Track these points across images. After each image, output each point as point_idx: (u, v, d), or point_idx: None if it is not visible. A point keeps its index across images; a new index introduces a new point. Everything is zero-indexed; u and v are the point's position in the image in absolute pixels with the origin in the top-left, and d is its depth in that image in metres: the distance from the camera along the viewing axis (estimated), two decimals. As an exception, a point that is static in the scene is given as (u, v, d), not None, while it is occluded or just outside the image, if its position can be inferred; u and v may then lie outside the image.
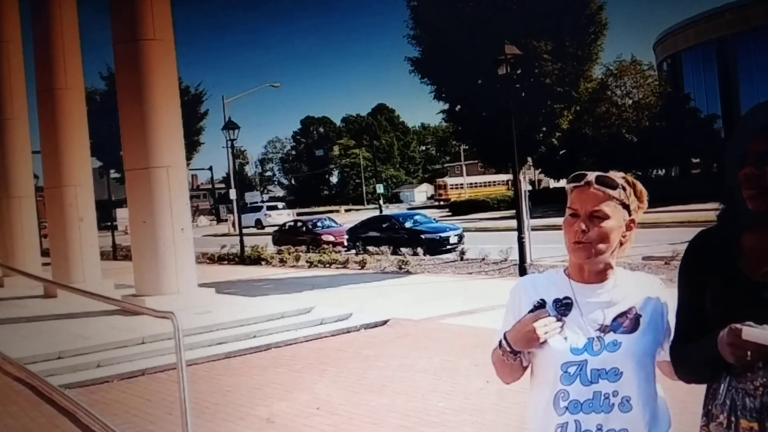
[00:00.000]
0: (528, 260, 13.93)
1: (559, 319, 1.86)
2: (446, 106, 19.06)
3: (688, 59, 44.44)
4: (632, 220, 1.89)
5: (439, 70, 17.83)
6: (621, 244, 1.90)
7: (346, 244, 23.55)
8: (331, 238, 24.88)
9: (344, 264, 17.68)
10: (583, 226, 1.82)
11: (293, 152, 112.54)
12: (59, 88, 12.63)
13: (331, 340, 8.82)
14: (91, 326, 9.30)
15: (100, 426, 5.58)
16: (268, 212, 52.42)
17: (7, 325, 9.86)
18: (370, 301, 11.69)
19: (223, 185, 68.69)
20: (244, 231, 23.97)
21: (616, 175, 1.88)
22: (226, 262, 21.61)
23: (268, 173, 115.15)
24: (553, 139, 20.17)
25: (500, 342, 1.90)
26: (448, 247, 20.45)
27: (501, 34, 15.08)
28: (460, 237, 21.31)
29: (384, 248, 19.19)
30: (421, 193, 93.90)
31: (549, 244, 16.09)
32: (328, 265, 17.92)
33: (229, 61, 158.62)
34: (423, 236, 21.00)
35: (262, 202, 62.95)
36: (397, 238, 20.96)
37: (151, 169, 10.12)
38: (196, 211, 67.89)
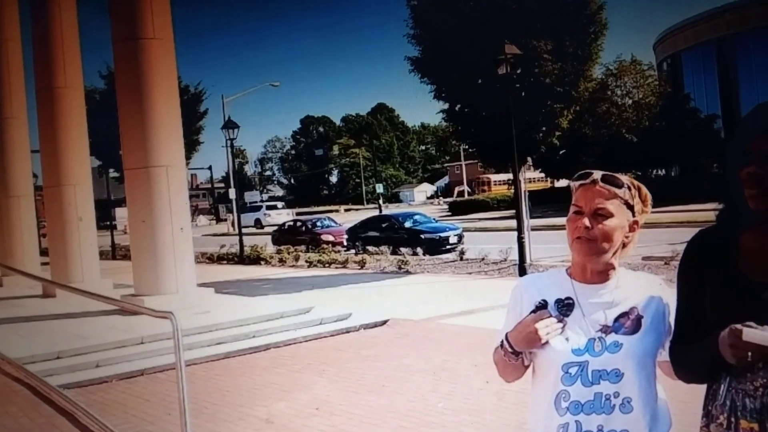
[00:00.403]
0: (528, 260, 13.93)
1: (560, 320, 1.86)
2: (446, 106, 19.04)
3: (688, 59, 44.48)
4: (635, 222, 1.89)
5: (439, 70, 17.81)
6: (624, 245, 1.90)
7: (345, 243, 23.54)
8: (331, 238, 24.88)
9: (344, 264, 17.67)
10: (587, 222, 1.83)
11: (293, 152, 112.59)
12: (58, 87, 12.62)
13: (331, 341, 8.82)
14: (89, 326, 9.29)
15: (98, 426, 5.57)
16: (268, 212, 52.43)
17: (5, 324, 9.85)
18: (370, 301, 11.69)
19: (222, 185, 68.76)
20: (244, 231, 23.96)
21: (623, 177, 1.89)
22: (225, 261, 21.62)
23: (268, 173, 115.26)
24: (554, 139, 20.15)
25: (502, 342, 1.90)
26: (448, 247, 20.45)
27: (501, 33, 15.06)
28: (460, 237, 21.31)
29: (383, 248, 19.19)
30: (421, 192, 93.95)
31: (549, 245, 16.10)
32: (327, 265, 17.92)
33: (228, 60, 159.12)
34: (422, 236, 21.00)
35: (262, 201, 62.94)
36: (397, 238, 20.96)
37: (150, 169, 10.11)
38: (196, 211, 67.91)
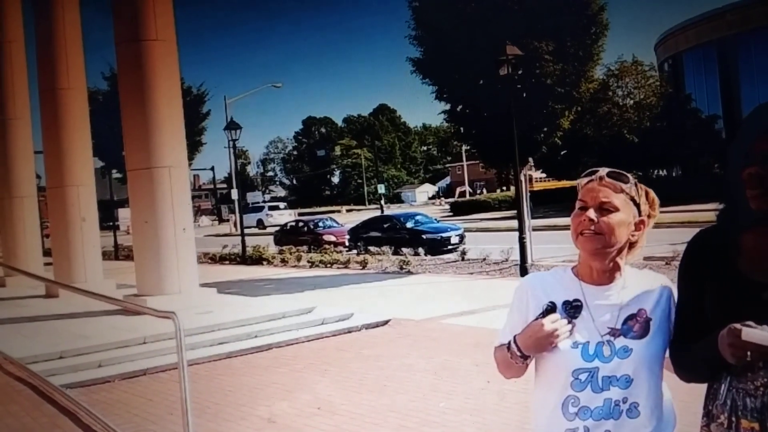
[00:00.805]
0: (529, 260, 13.93)
1: (569, 322, 1.84)
2: (447, 107, 19.05)
3: (689, 60, 44.43)
4: (642, 221, 1.87)
5: (441, 71, 17.83)
6: (631, 245, 1.88)
7: (347, 244, 23.54)
8: (333, 238, 24.88)
9: (345, 264, 17.67)
10: (592, 215, 1.80)
11: (295, 152, 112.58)
12: (62, 88, 12.65)
13: (333, 340, 8.82)
14: (92, 326, 9.31)
15: (101, 426, 5.58)
16: (270, 212, 52.43)
17: (8, 324, 9.88)
18: (372, 301, 11.69)
19: (224, 185, 68.84)
20: (246, 231, 23.98)
21: (630, 177, 1.88)
22: (227, 262, 21.62)
23: (270, 173, 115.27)
24: (555, 139, 20.16)
25: (509, 344, 1.87)
26: (450, 247, 20.45)
27: (502, 34, 15.06)
28: (462, 237, 21.30)
29: (385, 248, 19.19)
30: (423, 193, 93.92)
31: (550, 245, 16.11)
32: (329, 265, 17.92)
33: (231, 61, 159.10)
34: (424, 236, 20.99)
35: (264, 202, 62.91)
36: (399, 239, 20.96)
37: (153, 169, 10.13)
38: (198, 211, 67.96)
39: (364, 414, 5.74)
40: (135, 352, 7.95)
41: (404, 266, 16.05)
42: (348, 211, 68.93)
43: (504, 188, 61.04)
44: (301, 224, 28.82)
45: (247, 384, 6.96)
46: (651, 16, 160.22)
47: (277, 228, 31.93)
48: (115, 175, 31.14)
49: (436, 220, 24.96)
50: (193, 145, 36.98)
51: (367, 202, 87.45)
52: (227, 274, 17.58)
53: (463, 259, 16.91)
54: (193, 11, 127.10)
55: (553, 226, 23.47)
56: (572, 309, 1.86)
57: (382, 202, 51.84)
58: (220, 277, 16.02)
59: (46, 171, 13.19)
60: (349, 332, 9.19)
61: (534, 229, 15.69)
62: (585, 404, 1.80)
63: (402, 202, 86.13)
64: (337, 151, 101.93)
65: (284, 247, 22.44)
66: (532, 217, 16.08)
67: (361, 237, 22.64)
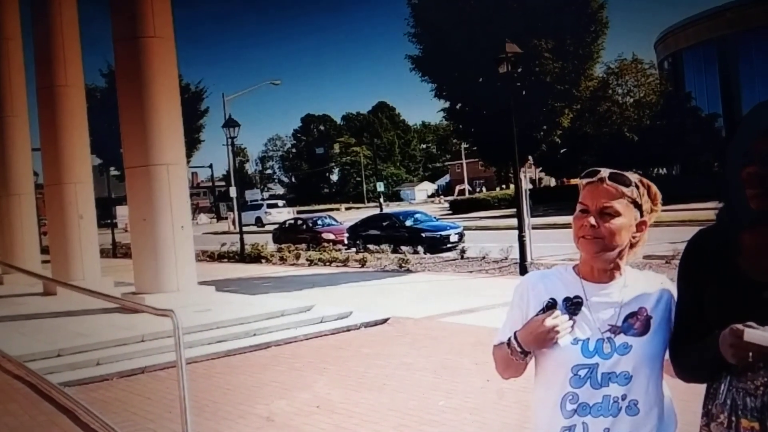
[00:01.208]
0: (528, 259, 13.93)
1: (569, 318, 1.84)
2: (447, 105, 19.07)
3: (689, 58, 44.42)
4: (644, 222, 1.86)
5: (440, 69, 17.83)
6: (632, 246, 1.87)
7: (346, 242, 23.55)
8: (332, 236, 24.89)
9: (344, 262, 17.67)
10: (593, 221, 1.80)
11: (294, 150, 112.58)
12: (59, 85, 12.63)
13: (331, 339, 8.82)
14: (90, 324, 9.30)
15: (99, 424, 5.57)
16: (269, 210, 52.51)
17: (6, 322, 9.87)
18: (371, 299, 11.68)
19: (223, 183, 68.71)
20: (244, 229, 23.98)
21: (632, 176, 1.86)
22: (226, 260, 21.63)
23: (269, 171, 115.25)
24: (555, 138, 20.17)
25: (509, 341, 1.87)
26: (449, 245, 20.43)
27: (502, 32, 15.05)
28: (461, 235, 21.29)
29: (384, 246, 19.19)
30: (422, 191, 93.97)
31: (550, 243, 16.10)
32: (328, 264, 17.92)
33: (229, 58, 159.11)
34: (423, 234, 20.99)
35: (263, 200, 63.00)
36: (398, 237, 20.96)
37: (151, 167, 10.12)
38: (196, 209, 67.92)
39: (363, 412, 5.74)
40: (133, 350, 7.94)
41: (403, 264, 16.05)
42: (347, 209, 69.00)
43: (503, 186, 61.12)
44: (299, 222, 28.83)
45: (245, 382, 6.95)
46: (651, 14, 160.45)
47: (276, 226, 31.94)
48: (113, 172, 31.16)
49: (435, 218, 24.96)
50: (192, 142, 36.94)
51: (366, 200, 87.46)
52: (226, 272, 17.58)
53: (462, 258, 16.91)
54: (192, 8, 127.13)
55: (553, 225, 23.48)
56: (573, 305, 1.86)
57: (381, 200, 51.91)
58: (218, 275, 16.02)
59: (44, 168, 13.17)
60: (348, 330, 9.18)
61: (534, 228, 15.68)
62: (584, 401, 1.80)
63: (401, 200, 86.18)
64: (336, 148, 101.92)
65: (283, 245, 22.42)
66: (532, 216, 16.07)
67: (360, 235, 22.63)
